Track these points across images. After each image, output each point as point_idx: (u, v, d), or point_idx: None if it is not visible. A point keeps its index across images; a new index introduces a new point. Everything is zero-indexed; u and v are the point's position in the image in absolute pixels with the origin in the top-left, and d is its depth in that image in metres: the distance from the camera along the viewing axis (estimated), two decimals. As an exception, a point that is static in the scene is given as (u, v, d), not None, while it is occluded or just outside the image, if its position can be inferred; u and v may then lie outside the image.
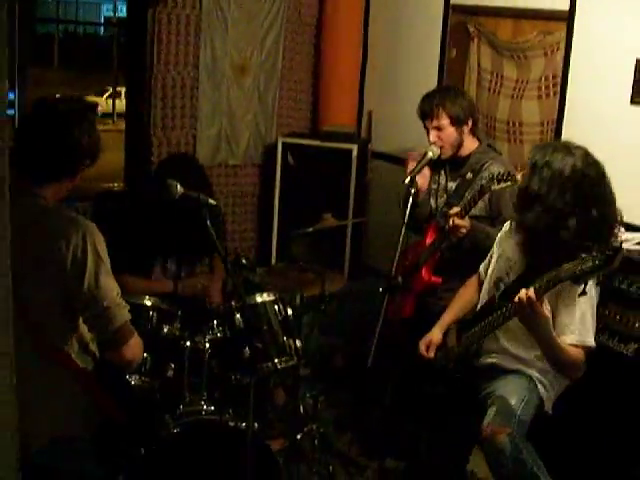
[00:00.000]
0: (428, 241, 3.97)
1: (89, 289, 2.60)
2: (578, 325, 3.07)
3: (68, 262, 2.58)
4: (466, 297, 3.62)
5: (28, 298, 2.55)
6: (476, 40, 5.01)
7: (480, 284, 3.57)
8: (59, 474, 2.67)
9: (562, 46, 4.37)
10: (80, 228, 2.63)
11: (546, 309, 2.92)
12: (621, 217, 3.17)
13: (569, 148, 3.12)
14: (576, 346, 3.07)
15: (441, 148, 3.95)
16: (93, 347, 2.76)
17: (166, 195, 3.24)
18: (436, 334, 3.54)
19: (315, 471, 3.93)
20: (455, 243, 3.77)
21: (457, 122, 3.95)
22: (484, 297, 3.40)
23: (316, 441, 4.03)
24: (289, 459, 3.94)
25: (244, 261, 4.69)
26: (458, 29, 5.08)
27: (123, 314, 2.68)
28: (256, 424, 3.51)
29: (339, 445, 4.22)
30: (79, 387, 2.69)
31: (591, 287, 3.05)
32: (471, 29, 5.02)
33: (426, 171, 3.96)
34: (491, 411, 3.12)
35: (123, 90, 21.36)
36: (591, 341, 3.10)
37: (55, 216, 2.68)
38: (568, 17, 4.27)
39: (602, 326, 3.53)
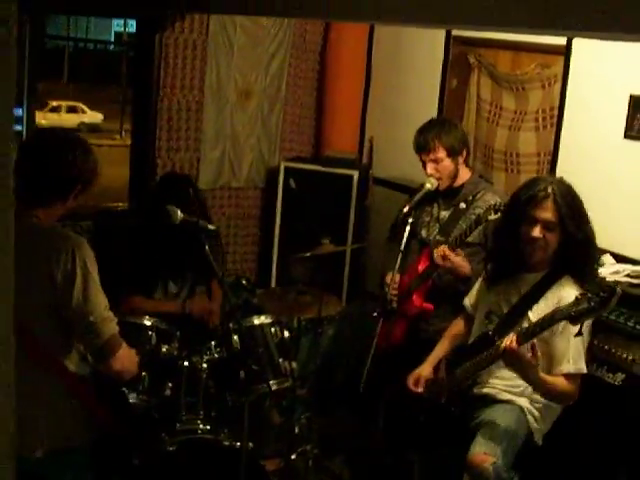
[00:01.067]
0: (421, 268, 4.05)
1: (77, 303, 2.67)
2: (574, 354, 3.14)
3: (58, 276, 2.66)
4: (455, 332, 3.70)
5: (22, 311, 2.64)
6: (476, 71, 5.10)
7: (467, 317, 3.66)
8: None
9: (559, 79, 4.45)
10: (70, 243, 2.71)
11: (529, 351, 3.00)
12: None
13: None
14: (572, 375, 3.14)
15: (438, 180, 4.04)
16: (90, 358, 2.84)
17: (166, 220, 3.32)
18: (426, 369, 3.62)
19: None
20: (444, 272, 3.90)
21: (453, 153, 4.03)
22: (476, 330, 3.46)
23: (310, 461, 4.09)
24: (284, 478, 4.00)
25: (244, 282, 4.77)
26: (459, 60, 5.16)
27: (110, 327, 2.75)
28: (251, 444, 3.59)
29: (333, 466, 4.28)
30: (76, 398, 2.77)
31: None
32: (472, 60, 5.10)
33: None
34: (478, 440, 3.19)
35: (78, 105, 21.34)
36: (584, 368, 3.18)
37: (46, 232, 2.76)
38: (565, 51, 4.34)
39: (591, 356, 3.59)
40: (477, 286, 3.62)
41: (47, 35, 24.73)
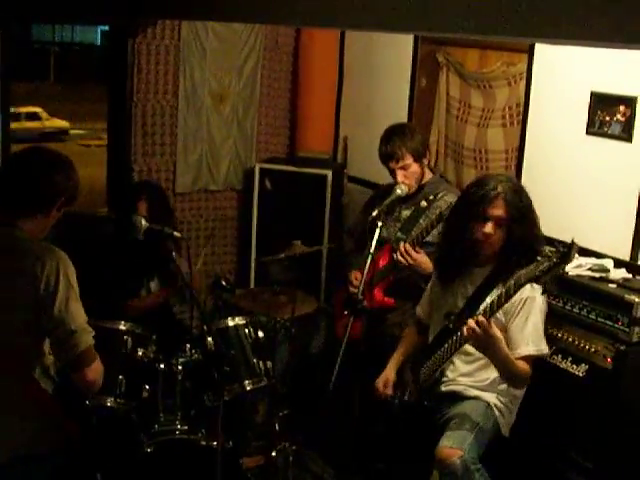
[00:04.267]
0: (381, 264, 4.15)
1: (59, 313, 2.76)
2: (533, 336, 3.26)
3: (41, 287, 2.75)
4: (411, 338, 3.80)
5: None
6: (445, 69, 5.17)
7: (419, 326, 3.76)
8: None
9: (524, 76, 4.51)
10: (54, 256, 2.82)
11: (497, 331, 3.09)
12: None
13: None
14: (529, 357, 3.25)
15: (408, 185, 4.13)
16: (52, 371, 2.92)
17: (132, 230, 3.41)
18: (390, 373, 3.71)
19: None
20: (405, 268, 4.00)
21: (418, 157, 4.14)
22: (435, 331, 3.53)
23: (290, 458, 4.16)
24: (265, 476, 4.08)
25: (224, 283, 4.84)
26: (428, 59, 5.22)
27: (88, 339, 2.84)
28: (231, 442, 3.67)
29: (312, 463, 4.36)
30: (41, 408, 2.84)
31: (541, 298, 3.30)
32: (440, 59, 5.18)
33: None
34: (446, 434, 3.28)
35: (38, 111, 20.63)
36: (546, 348, 3.31)
37: (30, 244, 2.86)
38: (529, 49, 4.40)
39: (556, 348, 3.69)
40: (428, 293, 3.72)
41: (32, 41, 24.76)
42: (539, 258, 2.94)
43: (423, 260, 3.94)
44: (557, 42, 2.53)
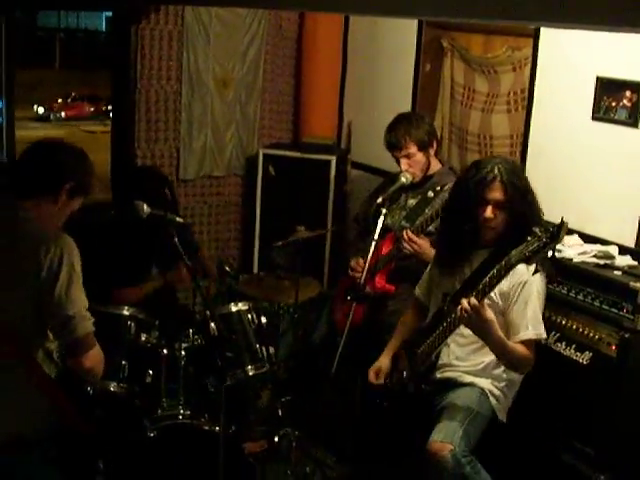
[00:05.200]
0: (384, 251, 4.15)
1: (59, 297, 2.75)
2: (532, 320, 3.24)
3: (44, 269, 2.74)
4: (409, 323, 3.76)
5: (1, 302, 2.74)
6: (449, 55, 5.14)
7: (418, 306, 3.74)
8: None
9: (530, 61, 4.48)
10: (59, 240, 2.80)
11: (489, 312, 3.08)
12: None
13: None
14: (530, 341, 3.23)
15: (412, 174, 4.13)
16: (56, 356, 2.91)
17: (134, 215, 3.40)
18: (384, 361, 3.68)
19: (291, 472, 4.07)
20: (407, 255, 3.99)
21: (423, 147, 4.15)
22: (432, 312, 3.53)
23: (293, 443, 4.17)
24: (268, 460, 4.09)
25: (227, 268, 4.84)
26: (432, 44, 5.20)
27: (87, 326, 2.83)
28: (233, 427, 3.68)
29: (313, 448, 4.37)
30: (42, 392, 2.83)
31: (540, 282, 3.27)
32: (445, 44, 5.15)
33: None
34: (437, 427, 3.27)
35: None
36: (544, 333, 3.29)
37: (36, 227, 2.85)
38: (534, 34, 4.38)
39: (560, 335, 3.69)
40: (427, 274, 3.70)
41: (38, 28, 24.70)
42: (529, 238, 2.91)
43: (427, 247, 3.94)
44: (563, 26, 2.50)
